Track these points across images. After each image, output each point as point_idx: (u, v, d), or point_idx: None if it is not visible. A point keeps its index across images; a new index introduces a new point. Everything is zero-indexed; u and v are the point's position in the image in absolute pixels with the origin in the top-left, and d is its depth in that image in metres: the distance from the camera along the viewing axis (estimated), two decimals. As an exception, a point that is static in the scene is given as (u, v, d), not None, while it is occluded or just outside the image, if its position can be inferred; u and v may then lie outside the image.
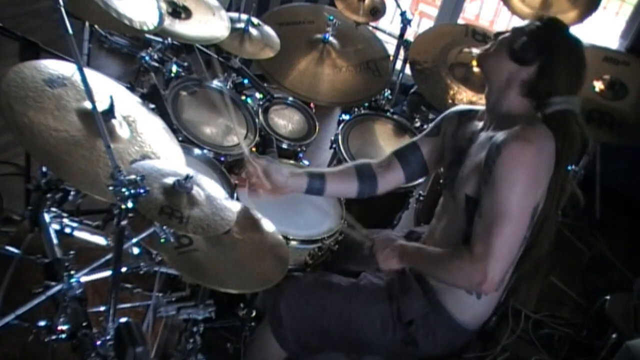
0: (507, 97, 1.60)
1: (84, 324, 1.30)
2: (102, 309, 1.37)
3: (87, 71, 1.21)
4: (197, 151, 2.01)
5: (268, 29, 2.31)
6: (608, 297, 2.54)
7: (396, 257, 1.68)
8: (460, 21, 4.22)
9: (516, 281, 1.71)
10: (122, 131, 1.40)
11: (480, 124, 1.70)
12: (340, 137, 2.38)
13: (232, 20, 2.22)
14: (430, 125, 1.88)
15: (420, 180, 2.32)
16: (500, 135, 1.51)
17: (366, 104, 2.61)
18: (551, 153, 1.52)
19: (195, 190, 1.34)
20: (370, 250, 1.73)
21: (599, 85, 2.30)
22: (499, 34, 1.65)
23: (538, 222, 1.56)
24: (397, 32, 2.67)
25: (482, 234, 1.49)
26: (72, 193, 1.62)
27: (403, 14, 2.62)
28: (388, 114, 2.59)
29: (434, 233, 1.76)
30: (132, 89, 2.03)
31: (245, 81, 2.40)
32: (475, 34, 2.60)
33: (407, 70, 2.56)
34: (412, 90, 2.81)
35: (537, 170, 1.49)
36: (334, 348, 1.84)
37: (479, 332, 1.78)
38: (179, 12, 2.08)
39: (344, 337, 1.74)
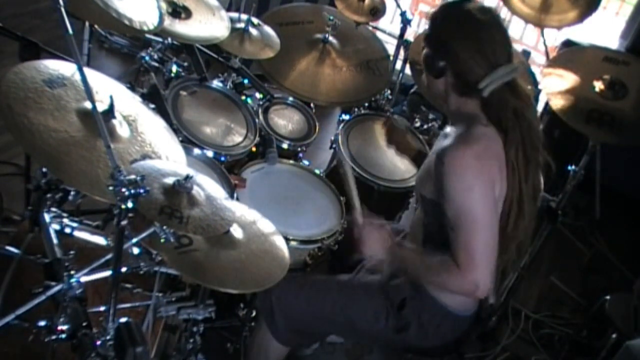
0: (450, 102, 1.63)
1: (84, 324, 1.30)
2: (102, 309, 1.37)
3: (87, 71, 1.21)
4: (197, 151, 2.01)
5: (268, 29, 2.31)
6: (608, 297, 2.54)
7: (383, 248, 1.68)
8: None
9: (515, 280, 1.71)
10: (122, 131, 1.40)
11: None
12: (340, 137, 2.38)
13: (232, 20, 2.22)
14: None
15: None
16: (444, 143, 1.55)
17: (366, 104, 2.61)
18: (495, 148, 1.52)
19: (195, 190, 1.34)
20: (361, 231, 1.71)
21: (599, 85, 2.29)
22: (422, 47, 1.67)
23: (506, 206, 1.57)
24: (397, 32, 2.67)
25: (460, 246, 1.51)
26: (72, 193, 1.62)
27: (403, 14, 2.62)
28: (388, 114, 2.59)
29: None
30: (132, 89, 2.03)
31: (245, 81, 2.40)
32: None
33: (407, 70, 2.56)
34: (412, 90, 2.82)
35: (485, 169, 1.50)
36: (325, 334, 1.87)
37: (478, 333, 1.78)
38: (179, 12, 2.08)
39: (335, 323, 1.76)
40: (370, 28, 2.76)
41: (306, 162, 2.30)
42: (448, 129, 1.66)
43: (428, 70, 1.60)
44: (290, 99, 2.49)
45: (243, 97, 2.35)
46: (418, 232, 1.73)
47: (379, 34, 2.79)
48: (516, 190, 1.55)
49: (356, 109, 2.60)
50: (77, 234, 1.61)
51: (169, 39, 2.25)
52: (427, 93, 1.70)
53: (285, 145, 2.30)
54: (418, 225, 1.74)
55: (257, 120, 2.28)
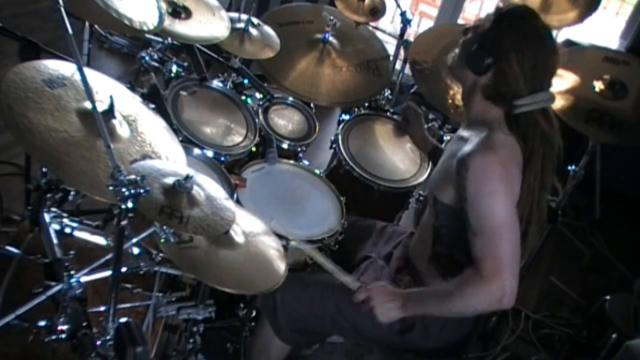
0: (474, 101, 1.62)
1: (84, 324, 1.30)
2: (102, 309, 1.37)
3: (87, 71, 1.21)
4: (197, 151, 2.01)
5: (268, 29, 2.31)
6: (608, 297, 2.55)
7: (398, 308, 1.62)
8: (460, 21, 4.22)
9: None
10: (122, 131, 1.40)
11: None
12: (340, 137, 2.38)
13: (232, 20, 2.22)
14: None
15: (420, 180, 2.33)
16: (466, 148, 1.54)
17: (366, 104, 2.61)
18: (517, 158, 1.53)
19: (195, 190, 1.34)
20: (364, 300, 1.65)
21: (599, 85, 2.29)
22: (466, 30, 1.64)
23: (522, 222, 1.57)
24: (397, 32, 2.67)
25: (485, 252, 1.49)
26: (72, 193, 1.62)
27: (403, 14, 2.62)
28: (388, 114, 2.59)
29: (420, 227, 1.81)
30: (132, 89, 2.03)
31: (245, 81, 2.40)
32: (475, 34, 2.59)
33: (407, 70, 2.56)
34: (412, 90, 2.82)
35: (508, 175, 1.51)
36: (328, 333, 1.87)
37: (479, 333, 1.78)
38: (179, 12, 2.08)
39: (338, 323, 1.76)
40: (370, 28, 2.76)
41: (306, 162, 2.30)
42: (464, 133, 1.65)
43: (469, 62, 1.56)
44: (290, 99, 2.49)
45: (243, 97, 2.35)
46: (427, 234, 1.72)
47: (379, 34, 2.79)
48: (527, 209, 1.55)
49: (356, 109, 2.60)
50: (77, 234, 1.61)
51: (169, 39, 2.25)
52: (452, 74, 1.67)
53: (285, 145, 2.30)
54: (427, 227, 1.73)
55: (257, 120, 2.27)
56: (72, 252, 1.41)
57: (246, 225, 1.60)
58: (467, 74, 1.60)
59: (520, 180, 1.54)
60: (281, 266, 1.56)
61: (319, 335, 1.94)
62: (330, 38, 2.50)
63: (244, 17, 2.24)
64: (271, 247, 1.60)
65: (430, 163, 2.40)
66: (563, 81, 2.28)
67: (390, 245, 1.94)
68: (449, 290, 1.56)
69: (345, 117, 2.53)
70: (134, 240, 1.48)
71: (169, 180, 1.30)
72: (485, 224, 1.48)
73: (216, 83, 2.31)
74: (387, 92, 2.64)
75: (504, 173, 1.49)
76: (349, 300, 1.72)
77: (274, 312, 1.75)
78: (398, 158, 2.41)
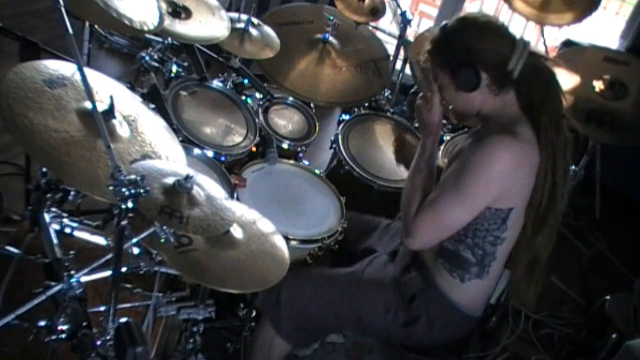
0: (488, 106, 1.62)
1: (84, 324, 1.30)
2: (102, 309, 1.36)
3: (87, 71, 1.21)
4: (197, 151, 2.01)
5: (268, 29, 2.31)
6: (608, 297, 2.54)
7: (427, 127, 1.69)
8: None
9: (515, 283, 1.71)
10: (122, 131, 1.40)
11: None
12: (340, 137, 2.38)
13: (232, 20, 2.22)
14: None
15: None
16: (485, 134, 1.56)
17: (366, 104, 2.61)
18: (531, 157, 1.54)
19: (195, 190, 1.34)
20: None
21: (599, 85, 2.29)
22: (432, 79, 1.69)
23: (537, 218, 1.59)
24: (397, 32, 2.67)
25: (430, 199, 1.58)
26: (72, 193, 1.62)
27: (403, 13, 2.63)
28: (388, 114, 2.59)
29: None
30: (132, 89, 2.03)
31: (245, 81, 2.40)
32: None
33: (407, 70, 2.57)
34: (412, 90, 2.82)
35: (517, 169, 1.52)
36: (330, 328, 1.89)
37: (479, 333, 1.79)
38: (179, 12, 2.08)
39: (342, 317, 1.76)
40: (370, 28, 2.76)
41: (306, 162, 2.30)
42: (479, 129, 1.69)
43: (463, 87, 1.59)
44: (290, 99, 2.49)
45: (243, 97, 2.35)
46: None
47: (379, 34, 2.79)
48: (550, 164, 1.56)
49: (356, 109, 2.60)
50: (77, 234, 1.61)
51: (169, 39, 2.25)
52: (462, 119, 1.72)
53: (285, 145, 2.30)
54: None
55: (257, 120, 2.28)
56: (72, 252, 1.41)
57: (245, 219, 1.61)
58: (469, 99, 1.61)
59: (522, 182, 1.55)
60: (284, 256, 1.57)
61: (321, 332, 1.94)
62: (330, 38, 2.51)
63: (244, 17, 2.24)
64: (271, 237, 1.61)
65: None
66: (563, 81, 2.27)
67: (396, 241, 1.94)
68: (412, 193, 1.66)
69: (345, 117, 2.53)
70: (134, 240, 1.48)
71: (169, 180, 1.30)
72: (449, 182, 1.56)
73: (216, 83, 2.31)
74: (387, 92, 2.64)
75: (514, 165, 1.51)
76: (352, 290, 1.73)
77: (277, 309, 1.75)
78: (398, 158, 2.41)
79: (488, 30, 1.57)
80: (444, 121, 2.70)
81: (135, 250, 1.50)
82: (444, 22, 1.64)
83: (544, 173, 1.56)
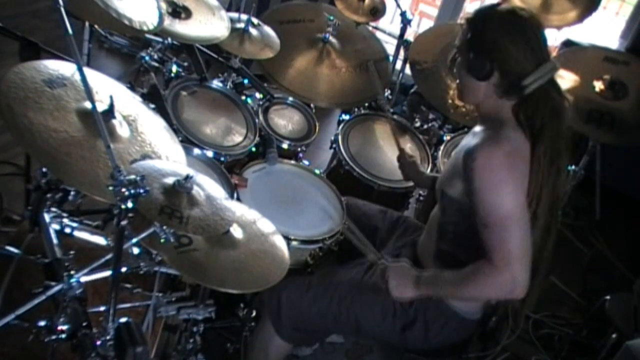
0: (486, 104, 1.62)
1: (84, 324, 1.30)
2: (102, 309, 1.36)
3: (87, 71, 1.21)
4: (197, 151, 2.01)
5: (268, 29, 2.31)
6: (608, 297, 2.54)
7: (411, 285, 1.63)
8: (460, 21, 4.21)
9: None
10: (122, 131, 1.40)
11: None
12: (340, 137, 2.38)
13: (232, 20, 2.22)
14: None
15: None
16: (474, 141, 1.55)
17: (366, 104, 2.61)
18: (523, 152, 1.53)
19: (195, 190, 1.34)
20: (383, 275, 1.68)
21: (599, 85, 2.29)
22: (453, 59, 1.66)
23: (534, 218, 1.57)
24: (397, 32, 2.67)
25: (495, 244, 1.50)
26: (72, 193, 1.62)
27: (403, 13, 2.62)
28: (388, 114, 2.59)
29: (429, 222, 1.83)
30: (132, 89, 2.03)
31: (245, 81, 2.40)
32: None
33: (407, 70, 2.56)
34: (412, 90, 2.82)
35: (513, 167, 1.51)
36: (329, 332, 1.89)
37: (478, 333, 1.78)
38: (179, 12, 2.08)
39: (341, 322, 1.76)
40: (370, 28, 2.76)
41: (306, 162, 2.30)
42: (477, 128, 1.67)
43: (474, 73, 1.57)
44: (290, 98, 2.49)
45: (243, 97, 2.35)
46: (433, 230, 1.74)
47: (379, 34, 2.79)
48: (537, 189, 1.54)
49: (356, 109, 2.60)
50: (77, 234, 1.61)
51: (169, 39, 2.25)
52: (463, 100, 1.69)
53: (285, 145, 2.30)
54: (434, 224, 1.74)
55: (257, 120, 2.28)
56: (72, 252, 1.41)
57: (245, 219, 1.61)
58: (478, 89, 1.59)
59: (528, 173, 1.53)
60: (284, 256, 1.57)
61: (320, 334, 1.94)
62: (330, 38, 2.50)
63: (244, 17, 2.24)
64: (270, 237, 1.61)
65: (430, 166, 2.41)
66: (563, 81, 2.27)
67: (401, 240, 1.94)
68: (463, 276, 1.57)
69: (345, 117, 2.53)
70: (134, 240, 1.48)
71: (169, 180, 1.30)
72: (493, 215, 1.49)
73: (216, 83, 2.31)
74: (387, 92, 2.64)
75: (508, 164, 1.50)
76: (351, 296, 1.73)
77: (278, 311, 1.76)
78: (398, 158, 2.41)
79: (523, 37, 1.52)
80: (445, 121, 2.72)
81: (135, 250, 1.50)
82: (498, 2, 1.60)
83: (532, 194, 1.54)
